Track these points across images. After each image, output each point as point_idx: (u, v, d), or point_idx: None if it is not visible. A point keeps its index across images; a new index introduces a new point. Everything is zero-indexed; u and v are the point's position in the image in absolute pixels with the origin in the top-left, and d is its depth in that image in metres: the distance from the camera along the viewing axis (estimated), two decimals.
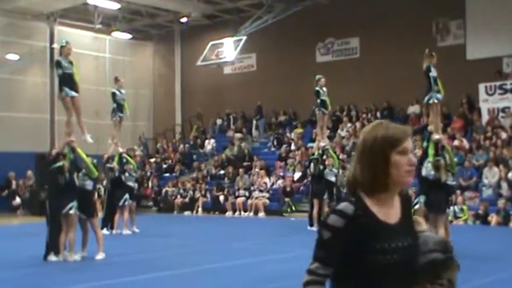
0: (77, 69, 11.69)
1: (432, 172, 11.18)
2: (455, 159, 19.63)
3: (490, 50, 22.14)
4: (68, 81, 11.41)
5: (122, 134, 18.20)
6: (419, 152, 12.47)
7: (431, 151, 11.38)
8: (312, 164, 16.99)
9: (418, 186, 12.04)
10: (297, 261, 11.12)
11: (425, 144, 11.92)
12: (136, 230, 16.60)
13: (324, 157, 16.73)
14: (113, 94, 16.41)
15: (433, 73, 12.05)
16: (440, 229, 11.26)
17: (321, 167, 16.63)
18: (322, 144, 17.02)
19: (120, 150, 16.67)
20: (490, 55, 22.09)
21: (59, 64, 11.47)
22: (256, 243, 14.24)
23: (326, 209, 16.78)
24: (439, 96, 12.21)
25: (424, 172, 11.35)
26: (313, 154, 17.29)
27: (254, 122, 28.27)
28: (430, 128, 11.95)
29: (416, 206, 11.45)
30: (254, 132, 28.21)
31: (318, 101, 16.65)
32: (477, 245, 13.38)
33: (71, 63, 11.50)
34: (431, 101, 12.17)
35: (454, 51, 22.49)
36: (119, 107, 16.38)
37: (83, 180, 11.43)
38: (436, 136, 11.65)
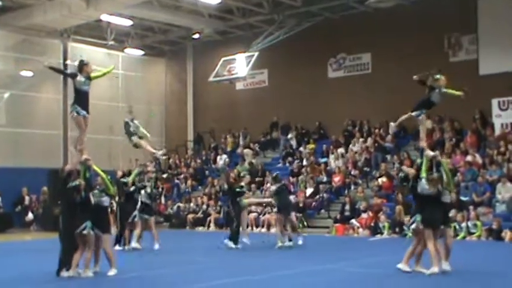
0: (95, 73, 11.63)
1: (426, 187, 10.81)
2: (468, 176, 19.60)
3: (503, 65, 22.06)
4: (82, 99, 11.37)
5: (135, 150, 18.32)
6: (411, 170, 11.98)
7: (424, 167, 11.11)
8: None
9: (413, 205, 11.75)
10: (307, 277, 11.09)
11: (419, 161, 11.66)
12: (157, 247, 16.28)
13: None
14: (126, 123, 16.12)
15: (435, 98, 12.00)
16: (445, 243, 10.96)
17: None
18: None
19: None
20: (503, 70, 22.01)
21: (76, 77, 11.29)
22: (267, 259, 14.18)
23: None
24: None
25: (419, 189, 10.95)
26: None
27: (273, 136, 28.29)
28: (422, 144, 11.82)
29: (413, 226, 10.99)
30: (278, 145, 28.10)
31: None
32: (491, 262, 13.27)
33: (88, 78, 11.34)
34: (420, 117, 12.14)
35: (467, 66, 22.42)
36: (130, 136, 16.24)
37: (100, 197, 11.38)
38: (430, 153, 11.41)
